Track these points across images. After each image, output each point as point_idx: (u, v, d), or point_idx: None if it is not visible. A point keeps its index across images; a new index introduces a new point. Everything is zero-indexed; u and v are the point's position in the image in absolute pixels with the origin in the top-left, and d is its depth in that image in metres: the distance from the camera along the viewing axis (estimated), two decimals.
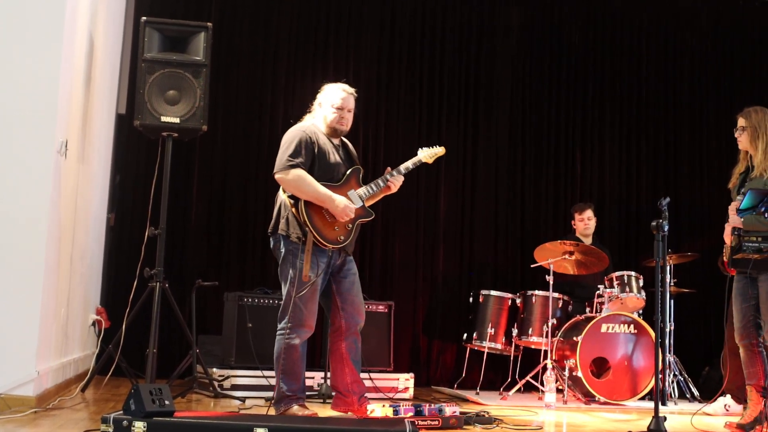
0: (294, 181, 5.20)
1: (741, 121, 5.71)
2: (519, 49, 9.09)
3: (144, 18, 6.14)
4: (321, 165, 5.30)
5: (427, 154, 5.76)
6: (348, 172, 5.42)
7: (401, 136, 8.57)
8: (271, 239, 5.38)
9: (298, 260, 5.19)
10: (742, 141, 5.70)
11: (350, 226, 5.34)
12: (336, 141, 5.48)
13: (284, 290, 5.26)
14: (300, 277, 5.18)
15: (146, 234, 6.09)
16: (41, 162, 5.16)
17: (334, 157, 5.40)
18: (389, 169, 5.58)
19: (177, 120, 6.02)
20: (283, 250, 5.27)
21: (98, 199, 7.35)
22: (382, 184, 5.53)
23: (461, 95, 8.90)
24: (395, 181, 5.55)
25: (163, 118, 6.00)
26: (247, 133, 8.26)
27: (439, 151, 5.80)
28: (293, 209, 5.21)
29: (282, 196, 5.31)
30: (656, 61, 9.34)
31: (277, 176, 5.23)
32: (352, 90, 5.55)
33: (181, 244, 7.98)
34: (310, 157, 5.28)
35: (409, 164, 5.63)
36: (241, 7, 8.39)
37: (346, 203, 5.29)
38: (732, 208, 5.53)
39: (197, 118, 6.06)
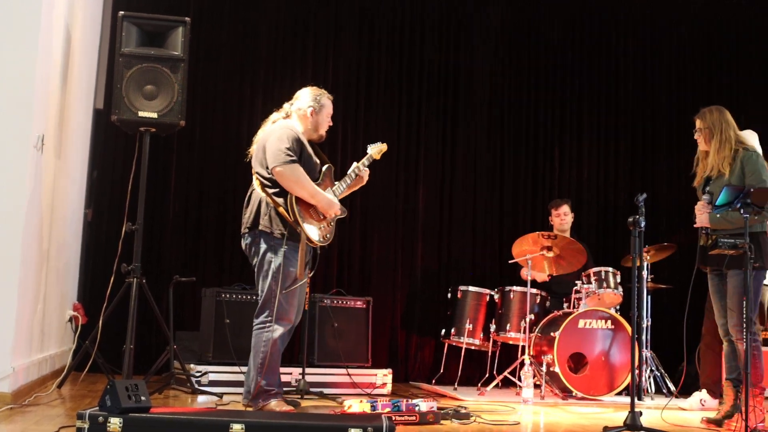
0: (294, 176, 5.25)
1: (698, 123, 5.80)
2: (498, 46, 9.10)
3: (122, 12, 6.12)
4: (306, 163, 5.37)
5: (375, 150, 5.90)
6: (323, 170, 5.50)
7: (381, 134, 8.53)
8: (248, 236, 5.40)
9: (281, 255, 5.24)
10: (701, 142, 5.78)
11: (332, 224, 5.45)
12: (313, 140, 5.57)
13: (263, 285, 5.30)
14: (283, 271, 5.22)
15: (123, 230, 6.07)
16: (17, 157, 5.13)
17: (313, 157, 5.50)
18: (356, 163, 5.74)
19: (155, 115, 6.00)
20: (264, 246, 5.30)
21: (75, 194, 7.31)
22: (353, 176, 5.68)
23: (440, 92, 8.90)
24: (365, 174, 5.74)
25: (141, 113, 5.98)
26: (226, 129, 8.24)
27: (383, 147, 5.94)
28: (280, 208, 5.22)
29: (261, 194, 5.32)
30: (634, 58, 9.38)
31: (277, 169, 5.23)
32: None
33: (158, 239, 7.96)
34: (299, 154, 5.34)
35: (364, 161, 5.79)
36: (219, 2, 8.37)
37: (336, 201, 5.44)
38: (698, 208, 5.59)
39: (175, 113, 6.04)
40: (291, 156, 5.24)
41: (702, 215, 5.57)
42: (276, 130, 5.40)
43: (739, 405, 5.54)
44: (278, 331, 5.26)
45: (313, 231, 5.32)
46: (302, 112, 5.53)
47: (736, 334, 5.51)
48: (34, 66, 5.23)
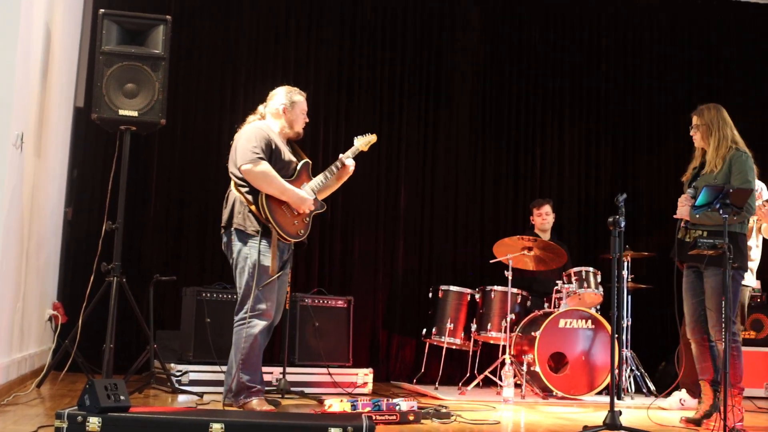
0: (261, 173, 5.31)
1: (695, 120, 5.82)
2: (479, 45, 9.11)
3: (102, 10, 6.10)
4: (277, 161, 5.44)
5: (362, 142, 5.93)
6: (299, 166, 5.53)
7: (362, 132, 8.53)
8: (224, 235, 5.48)
9: (256, 251, 5.30)
10: (697, 139, 5.80)
11: (307, 219, 5.50)
12: (285, 140, 5.60)
13: (240, 282, 5.38)
14: (259, 267, 5.28)
15: (104, 228, 6.05)
16: None
17: (287, 155, 5.55)
18: (341, 156, 5.77)
19: (135, 113, 5.99)
20: (239, 244, 5.37)
21: (55, 192, 7.28)
22: (335, 170, 5.72)
23: (422, 92, 8.90)
24: (343, 174, 5.78)
25: (121, 112, 5.96)
26: (207, 127, 8.21)
27: (371, 138, 5.98)
28: (252, 206, 5.29)
29: (236, 193, 5.38)
30: (615, 58, 9.40)
31: (244, 168, 5.30)
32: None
33: (139, 238, 7.93)
34: (269, 153, 5.39)
35: (350, 153, 5.82)
36: (201, 1, 8.34)
37: (308, 197, 5.46)
38: (681, 200, 5.61)
39: (156, 111, 6.02)
40: (257, 154, 5.32)
41: (683, 207, 5.60)
42: (246, 130, 5.50)
43: (718, 404, 5.58)
44: (258, 326, 5.30)
45: (286, 227, 5.37)
46: (275, 111, 5.62)
47: (715, 334, 5.53)
48: (14, 64, 5.21)
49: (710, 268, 5.50)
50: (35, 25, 5.74)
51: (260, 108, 5.70)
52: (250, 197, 5.34)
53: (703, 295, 5.61)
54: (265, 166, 5.32)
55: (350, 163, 5.79)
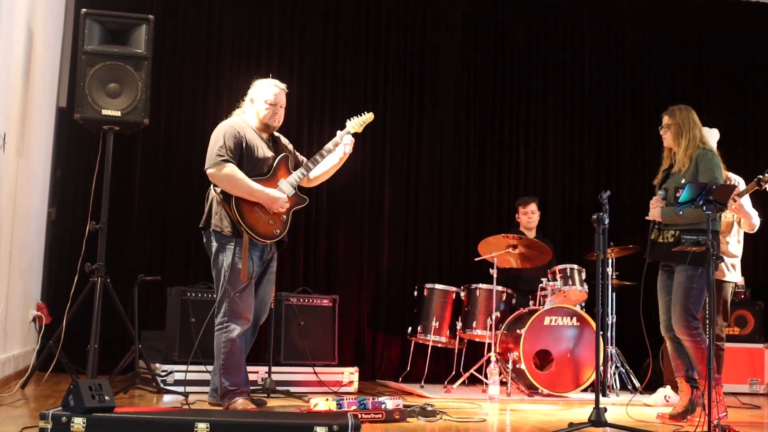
0: (225, 177, 5.24)
1: (666, 119, 5.86)
2: (463, 43, 9.11)
3: (84, 10, 6.07)
4: (249, 159, 5.35)
5: (356, 123, 5.79)
6: (275, 162, 5.44)
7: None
8: (203, 235, 5.45)
9: (231, 254, 5.24)
10: (667, 138, 5.86)
11: (285, 217, 5.41)
12: (266, 135, 5.52)
13: (217, 284, 5.33)
14: (233, 271, 5.22)
15: (87, 228, 6.03)
16: None
17: (263, 151, 5.44)
18: (324, 146, 5.63)
19: (118, 113, 5.96)
20: (215, 245, 5.33)
21: (38, 193, 7.25)
22: (326, 153, 5.57)
23: (405, 90, 8.90)
24: (334, 157, 5.64)
25: (104, 112, 5.93)
26: (190, 127, 8.19)
27: (368, 117, 5.86)
28: (225, 206, 5.23)
29: (213, 193, 5.33)
30: (598, 55, 9.42)
31: (208, 172, 5.28)
32: (283, 86, 5.64)
33: (123, 238, 7.91)
34: (239, 151, 5.33)
35: (330, 144, 5.65)
36: (183, 0, 8.33)
37: (279, 196, 5.35)
38: (652, 202, 5.65)
39: (139, 111, 6.00)
40: (221, 156, 5.25)
41: (654, 209, 5.66)
42: (216, 130, 5.43)
43: (695, 400, 5.63)
44: (234, 330, 5.26)
45: (258, 228, 5.28)
46: (248, 104, 5.55)
47: (679, 330, 5.57)
48: None
49: (681, 265, 5.54)
50: (17, 24, 5.72)
51: (243, 101, 5.65)
52: (224, 197, 5.28)
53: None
54: (229, 169, 5.24)
55: (348, 140, 5.63)
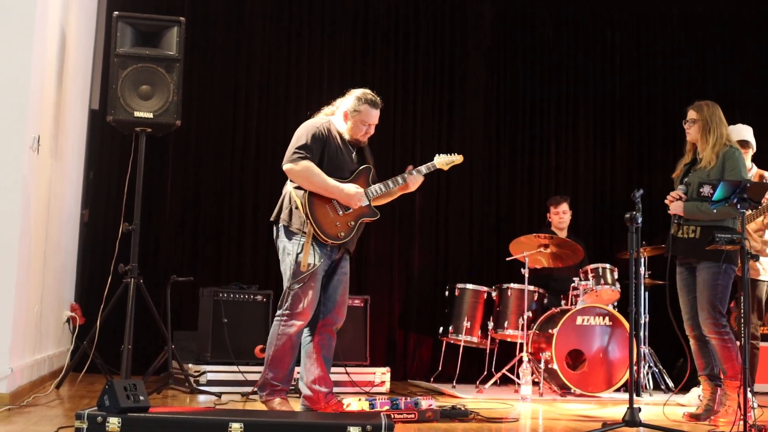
0: (303, 172, 5.16)
1: (692, 114, 5.82)
2: (493, 43, 9.10)
3: (116, 13, 6.13)
4: (331, 161, 5.25)
5: (443, 161, 5.69)
6: (357, 171, 5.38)
7: (376, 131, 8.52)
8: (274, 229, 5.34)
9: (298, 250, 5.17)
10: (691, 133, 5.82)
11: (352, 223, 5.30)
12: (351, 142, 5.42)
13: (284, 278, 5.23)
14: (297, 263, 5.15)
15: (120, 230, 6.07)
16: (13, 158, 5.13)
17: (346, 156, 5.36)
18: (410, 167, 5.55)
19: (150, 115, 6.01)
20: (283, 240, 5.24)
21: (72, 195, 7.31)
22: (401, 181, 5.49)
23: (435, 89, 8.89)
24: (414, 180, 5.52)
25: (137, 114, 5.98)
26: (221, 128, 8.23)
27: (457, 159, 5.74)
28: (298, 201, 5.17)
29: (288, 187, 5.28)
30: (629, 54, 9.36)
31: (285, 167, 5.19)
32: (381, 104, 5.51)
33: (155, 239, 7.95)
34: (320, 151, 5.24)
35: (423, 168, 5.57)
36: (213, 1, 8.36)
37: (358, 189, 5.28)
38: (672, 196, 5.61)
39: (170, 113, 6.04)
40: (299, 153, 5.17)
41: (676, 203, 5.61)
42: (300, 127, 5.34)
43: (717, 399, 5.63)
44: (293, 326, 5.15)
45: (325, 227, 5.19)
46: (344, 112, 5.42)
47: (707, 328, 5.53)
48: (30, 67, 5.24)
49: (703, 262, 5.51)
50: (50, 28, 5.76)
51: (337, 101, 5.52)
52: (298, 192, 5.20)
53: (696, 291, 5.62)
54: (305, 164, 5.16)
55: (417, 180, 5.55)
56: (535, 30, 9.22)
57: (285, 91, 8.36)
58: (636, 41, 9.41)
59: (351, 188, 5.28)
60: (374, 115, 5.44)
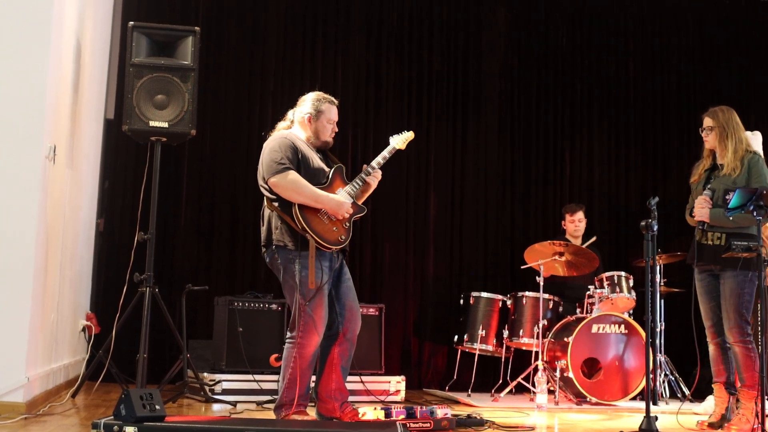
0: (291, 184, 5.13)
1: (708, 121, 5.79)
2: (506, 50, 9.09)
3: (131, 23, 6.15)
4: (307, 170, 5.24)
5: (399, 140, 5.72)
6: (331, 172, 5.38)
7: (392, 134, 8.55)
8: (266, 254, 5.29)
9: (299, 266, 5.12)
10: (710, 140, 5.79)
11: (347, 224, 5.29)
12: (315, 148, 5.45)
13: (290, 300, 5.20)
14: (303, 282, 5.10)
15: (136, 239, 6.08)
16: (30, 167, 5.15)
17: (317, 162, 5.35)
18: (365, 166, 5.54)
19: (165, 124, 6.02)
20: (282, 261, 5.18)
21: (87, 204, 7.33)
22: (365, 176, 5.49)
23: (449, 96, 8.90)
24: (372, 179, 5.52)
25: (152, 123, 6.00)
26: (236, 137, 8.25)
27: (409, 135, 5.78)
28: (287, 218, 5.15)
29: (268, 211, 5.26)
30: (643, 60, 9.35)
31: (271, 180, 5.14)
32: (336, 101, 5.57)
33: (170, 248, 7.96)
34: (296, 162, 5.23)
35: (380, 158, 5.55)
36: (228, 11, 8.38)
37: (344, 200, 5.26)
38: (698, 202, 5.55)
39: (186, 122, 6.05)
40: (283, 164, 5.14)
41: (703, 209, 5.55)
42: (269, 142, 5.32)
43: (732, 407, 5.61)
44: (309, 347, 5.11)
45: (325, 235, 5.17)
46: (301, 119, 5.44)
47: (733, 336, 5.50)
48: (46, 77, 5.26)
49: (727, 270, 5.48)
50: (66, 38, 5.79)
51: (289, 114, 5.54)
52: (285, 210, 5.16)
53: (719, 298, 5.58)
54: (293, 176, 5.14)
55: (376, 176, 5.53)
56: (548, 36, 9.21)
57: (298, 98, 8.35)
58: (650, 48, 9.39)
59: (339, 198, 5.26)
60: (336, 112, 5.51)
